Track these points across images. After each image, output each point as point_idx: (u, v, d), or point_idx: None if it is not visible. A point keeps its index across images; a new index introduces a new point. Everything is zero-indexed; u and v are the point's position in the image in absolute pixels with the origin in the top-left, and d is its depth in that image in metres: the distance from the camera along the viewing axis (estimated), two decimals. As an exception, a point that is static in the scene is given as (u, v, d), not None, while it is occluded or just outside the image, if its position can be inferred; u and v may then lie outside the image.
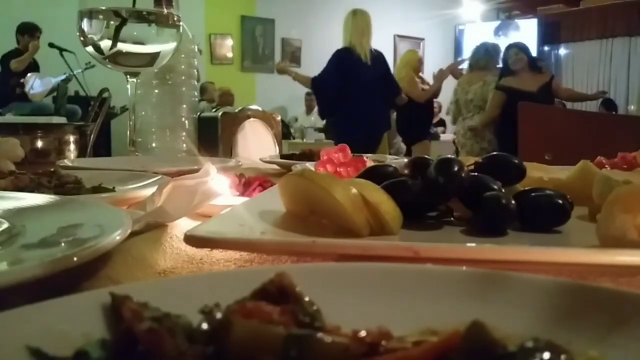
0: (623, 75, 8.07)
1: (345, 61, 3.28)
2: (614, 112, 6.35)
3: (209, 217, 0.47)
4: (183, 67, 1.30)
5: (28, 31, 4.92)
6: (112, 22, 0.81)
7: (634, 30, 7.85)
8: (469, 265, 0.27)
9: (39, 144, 1.11)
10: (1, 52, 4.96)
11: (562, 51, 8.75)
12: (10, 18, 5.07)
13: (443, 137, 6.36)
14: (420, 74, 4.29)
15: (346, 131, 3.35)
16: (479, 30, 8.47)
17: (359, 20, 3.30)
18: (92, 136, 1.36)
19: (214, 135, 1.58)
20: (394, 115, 4.10)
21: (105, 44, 0.82)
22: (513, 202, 0.44)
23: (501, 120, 3.51)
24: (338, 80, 3.28)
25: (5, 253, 0.35)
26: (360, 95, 3.29)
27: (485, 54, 3.85)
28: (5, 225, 0.41)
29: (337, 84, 3.30)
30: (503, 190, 0.46)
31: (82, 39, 0.84)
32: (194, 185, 0.52)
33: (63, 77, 4.90)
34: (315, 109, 7.14)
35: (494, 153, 0.53)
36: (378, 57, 3.37)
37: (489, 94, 3.63)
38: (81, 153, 1.24)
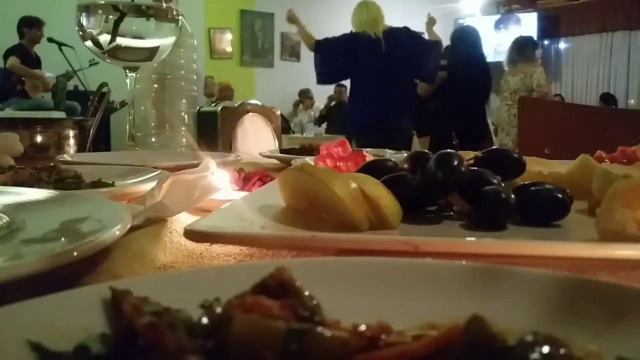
0: (623, 69, 8.06)
1: (351, 46, 3.13)
2: (613, 106, 6.34)
3: (208, 211, 0.47)
4: (182, 61, 1.30)
5: (35, 25, 4.89)
6: (110, 17, 0.81)
7: (634, 23, 7.83)
8: (469, 259, 0.27)
9: (39, 138, 1.11)
10: (2, 49, 4.94)
11: (562, 45, 8.74)
12: (10, 14, 5.05)
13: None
14: None
15: (356, 119, 3.26)
16: (479, 24, 8.45)
17: (369, 11, 3.14)
18: (91, 131, 1.36)
19: (214, 130, 1.58)
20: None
21: (104, 38, 0.82)
22: (513, 196, 0.44)
23: None
24: (340, 66, 3.17)
25: (5, 248, 0.35)
26: (367, 82, 3.13)
27: (518, 50, 4.06)
28: (5, 220, 0.41)
29: (340, 70, 3.20)
30: (503, 185, 0.46)
31: (80, 33, 0.83)
32: (194, 180, 0.52)
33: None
34: (315, 104, 7.16)
35: (494, 147, 0.53)
36: (395, 33, 3.14)
37: (532, 83, 3.89)
38: (80, 148, 1.24)
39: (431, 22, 3.50)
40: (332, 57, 3.21)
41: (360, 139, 3.05)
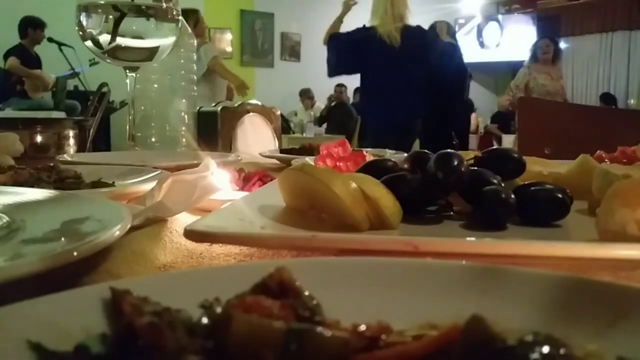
0: (623, 69, 8.06)
1: (364, 40, 3.03)
2: (613, 106, 6.34)
3: (208, 211, 0.47)
4: (182, 61, 1.30)
5: (40, 26, 4.89)
6: (110, 17, 0.81)
7: (634, 24, 7.83)
8: (469, 259, 0.27)
9: (39, 138, 1.11)
10: (4, 49, 4.94)
11: (562, 45, 8.72)
12: (10, 14, 5.05)
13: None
14: None
15: (370, 119, 3.23)
16: (479, 24, 8.46)
17: (395, 4, 3.01)
18: (91, 131, 1.36)
19: (214, 130, 1.58)
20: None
21: (104, 38, 0.82)
22: (513, 196, 0.44)
23: None
24: (352, 60, 3.08)
25: (5, 248, 0.35)
26: (380, 81, 3.04)
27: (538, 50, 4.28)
28: (5, 220, 0.41)
29: (352, 63, 3.11)
30: (503, 185, 0.46)
31: (80, 33, 0.83)
32: (194, 180, 0.52)
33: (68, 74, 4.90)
34: (316, 104, 7.17)
35: (494, 147, 0.53)
36: (413, 34, 3.02)
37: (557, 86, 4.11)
38: (80, 148, 1.24)
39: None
40: (343, 50, 3.13)
41: (373, 138, 3.03)
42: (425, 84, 3.15)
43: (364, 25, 3.14)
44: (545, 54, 4.24)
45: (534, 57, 4.26)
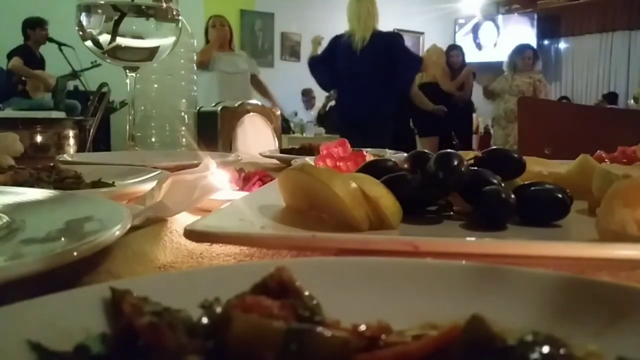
0: (623, 69, 8.06)
1: (336, 48, 3.28)
2: (614, 106, 6.35)
3: (208, 211, 0.47)
4: (182, 61, 1.30)
5: (39, 25, 4.89)
6: (111, 16, 0.81)
7: (634, 23, 7.83)
8: (469, 259, 0.27)
9: (39, 138, 1.11)
10: (6, 50, 4.94)
11: (562, 45, 8.73)
12: (11, 14, 5.05)
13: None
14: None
15: (337, 122, 3.45)
16: (479, 24, 8.45)
17: (356, 6, 3.21)
18: (91, 131, 1.36)
19: (214, 130, 1.58)
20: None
21: (104, 38, 0.82)
22: (513, 196, 0.44)
23: None
24: (329, 67, 3.30)
25: (5, 248, 0.35)
26: (349, 85, 3.25)
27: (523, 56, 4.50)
28: (5, 220, 0.41)
29: (327, 70, 3.33)
30: (503, 185, 0.46)
31: (80, 33, 0.83)
32: (194, 180, 0.52)
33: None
34: (315, 105, 7.17)
35: (494, 147, 0.53)
36: (379, 40, 3.19)
37: (539, 88, 4.35)
38: (81, 148, 1.24)
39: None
40: (320, 68, 3.41)
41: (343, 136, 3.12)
42: (387, 86, 3.27)
43: (335, 36, 3.36)
44: (527, 61, 4.42)
45: (513, 65, 4.38)
